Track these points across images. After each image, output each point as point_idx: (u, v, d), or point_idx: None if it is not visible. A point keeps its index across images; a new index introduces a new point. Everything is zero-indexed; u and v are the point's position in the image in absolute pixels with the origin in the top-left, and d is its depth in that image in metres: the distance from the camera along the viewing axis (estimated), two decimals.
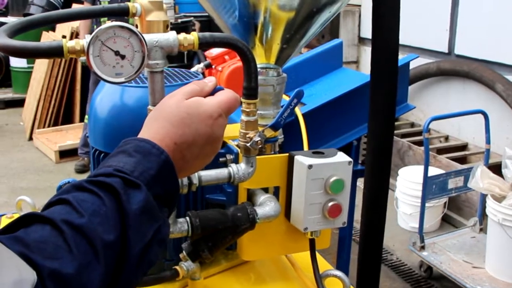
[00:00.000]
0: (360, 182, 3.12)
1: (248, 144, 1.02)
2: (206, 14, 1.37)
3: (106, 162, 0.76)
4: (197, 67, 2.45)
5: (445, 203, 3.92)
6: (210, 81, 0.90)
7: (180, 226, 1.03)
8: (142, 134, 0.82)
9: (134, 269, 0.69)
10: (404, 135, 4.80)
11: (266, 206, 1.11)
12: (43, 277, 0.59)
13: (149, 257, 0.72)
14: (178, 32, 0.93)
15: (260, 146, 1.02)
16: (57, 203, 0.69)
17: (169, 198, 0.79)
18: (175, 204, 0.83)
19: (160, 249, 0.75)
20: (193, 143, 0.82)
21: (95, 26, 4.73)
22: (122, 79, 0.88)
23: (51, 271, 0.60)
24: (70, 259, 0.62)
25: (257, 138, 1.01)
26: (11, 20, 6.02)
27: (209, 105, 0.84)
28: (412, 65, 2.91)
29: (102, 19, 4.30)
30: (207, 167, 1.04)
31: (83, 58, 0.89)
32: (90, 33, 0.85)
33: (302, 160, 1.09)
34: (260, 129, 1.04)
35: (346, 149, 2.23)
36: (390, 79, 1.15)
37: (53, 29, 6.43)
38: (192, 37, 0.92)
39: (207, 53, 2.31)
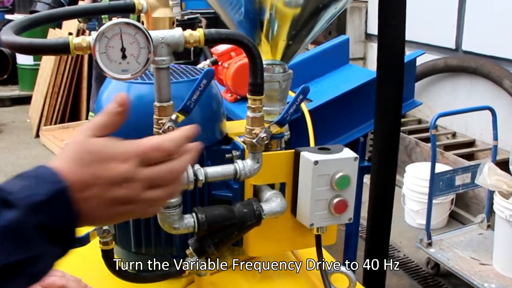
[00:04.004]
0: (367, 179, 3.12)
1: (254, 140, 1.02)
2: (213, 11, 1.37)
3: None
4: (204, 64, 2.44)
5: (452, 199, 3.90)
6: None
7: (186, 222, 1.04)
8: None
9: None
10: (411, 132, 4.79)
11: (272, 202, 1.11)
12: None
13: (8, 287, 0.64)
14: (184, 29, 0.93)
15: (266, 142, 1.02)
16: None
17: (61, 235, 0.69)
18: (72, 245, 0.72)
19: (29, 285, 0.66)
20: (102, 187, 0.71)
21: (96, 23, 4.72)
22: (128, 76, 0.88)
23: None
24: None
25: (263, 134, 1.01)
26: (18, 17, 6.03)
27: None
28: (419, 61, 2.89)
29: (103, 17, 4.30)
30: (214, 164, 1.04)
31: None
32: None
33: (308, 156, 1.09)
34: (266, 125, 1.04)
35: (352, 146, 2.23)
36: (396, 76, 1.15)
37: (60, 27, 6.44)
38: (198, 34, 0.92)
39: (213, 49, 2.30)
